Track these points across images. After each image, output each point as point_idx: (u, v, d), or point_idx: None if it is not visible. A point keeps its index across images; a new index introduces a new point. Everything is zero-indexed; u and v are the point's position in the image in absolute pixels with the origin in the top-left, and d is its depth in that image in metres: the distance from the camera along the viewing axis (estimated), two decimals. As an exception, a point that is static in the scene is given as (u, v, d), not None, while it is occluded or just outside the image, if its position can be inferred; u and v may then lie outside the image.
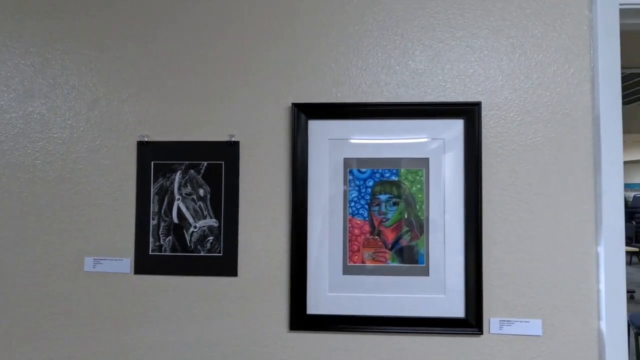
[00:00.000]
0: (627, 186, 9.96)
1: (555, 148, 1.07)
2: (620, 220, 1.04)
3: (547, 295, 1.05)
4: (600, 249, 1.04)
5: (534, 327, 1.05)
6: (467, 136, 1.06)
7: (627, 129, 3.54)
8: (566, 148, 1.07)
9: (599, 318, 1.04)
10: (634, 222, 7.99)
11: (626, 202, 9.45)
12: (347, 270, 1.07)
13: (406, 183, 1.07)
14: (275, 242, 1.09)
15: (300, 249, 1.07)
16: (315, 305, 1.07)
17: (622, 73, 2.17)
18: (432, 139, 1.08)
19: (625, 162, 7.22)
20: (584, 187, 1.06)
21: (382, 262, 1.07)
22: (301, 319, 1.07)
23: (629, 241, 7.68)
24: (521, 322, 1.05)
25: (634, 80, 2.21)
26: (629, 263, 7.86)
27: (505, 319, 1.05)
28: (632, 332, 3.30)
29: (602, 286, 1.04)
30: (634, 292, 5.45)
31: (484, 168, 1.07)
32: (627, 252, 7.83)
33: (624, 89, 2.38)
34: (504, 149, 1.08)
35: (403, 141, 1.08)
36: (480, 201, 1.05)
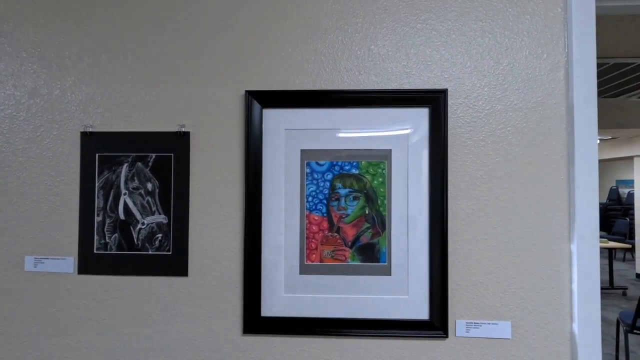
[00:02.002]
0: (622, 183, 9.94)
1: (526, 139, 1.00)
2: (594, 216, 0.97)
3: (517, 295, 0.99)
4: (573, 247, 0.98)
5: (503, 329, 0.98)
6: (433, 126, 0.99)
7: (620, 124, 3.48)
8: (538, 139, 1.00)
9: (571, 319, 0.98)
10: (628, 219, 7.96)
11: (620, 198, 9.43)
12: (304, 270, 1.00)
13: (367, 176, 1.00)
14: (228, 240, 1.02)
15: (254, 247, 1.00)
16: (270, 307, 1.00)
17: (615, 62, 2.11)
18: (396, 129, 1.00)
19: (619, 159, 7.17)
20: (556, 180, 0.99)
21: (341, 260, 1.00)
22: (255, 321, 1.00)
23: (623, 238, 7.66)
24: (489, 324, 0.99)
25: (624, 69, 2.11)
26: (622, 260, 7.84)
27: (472, 321, 0.99)
28: (621, 330, 3.26)
29: (575, 286, 0.97)
30: (627, 288, 5.42)
31: (451, 160, 1.00)
32: (621, 249, 7.82)
33: (615, 78, 2.29)
34: (471, 139, 1.01)
35: (364, 132, 1.01)
36: (446, 196, 0.98)
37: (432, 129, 0.99)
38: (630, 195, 8.75)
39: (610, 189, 9.77)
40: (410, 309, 0.99)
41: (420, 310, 0.99)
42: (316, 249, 1.00)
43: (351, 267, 1.00)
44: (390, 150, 1.00)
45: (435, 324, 0.98)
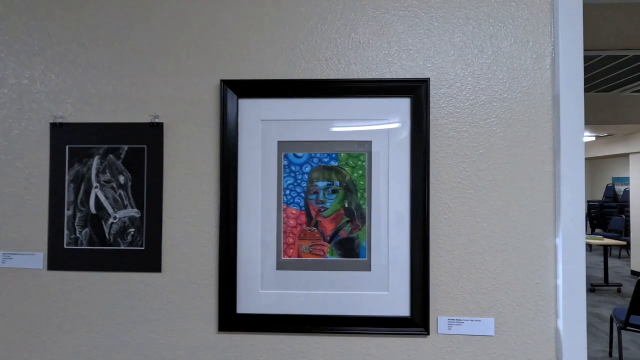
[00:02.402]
0: (618, 180, 9.94)
1: (511, 130, 0.97)
2: (580, 209, 0.95)
3: (501, 291, 0.96)
4: (559, 241, 0.95)
5: (486, 326, 0.95)
6: (414, 117, 0.96)
7: (615, 120, 3.44)
8: (523, 130, 0.97)
9: (556, 316, 0.95)
10: (624, 216, 7.97)
11: (616, 196, 9.44)
12: (281, 265, 0.97)
13: (347, 169, 0.97)
14: (203, 235, 0.98)
15: (229, 242, 0.97)
16: (246, 303, 0.97)
17: (607, 54, 2.06)
18: (376, 119, 0.97)
19: (615, 156, 7.17)
20: (542, 173, 0.96)
21: (320, 255, 0.97)
22: (231, 318, 0.96)
23: (618, 235, 7.67)
24: (472, 321, 0.96)
25: (617, 62, 2.06)
26: (617, 257, 7.86)
27: (455, 317, 0.96)
28: (615, 326, 3.25)
29: (560, 281, 0.94)
30: (621, 285, 5.43)
31: (433, 152, 0.97)
32: (616, 246, 7.83)
33: (608, 72, 2.23)
34: (455, 131, 0.97)
35: (344, 123, 0.97)
36: (428, 189, 0.95)
37: (413, 120, 0.96)
38: (626, 193, 8.76)
39: (607, 186, 9.78)
40: (390, 306, 0.96)
41: (400, 307, 0.96)
42: (294, 243, 0.97)
43: (330, 262, 0.97)
44: (371, 142, 0.97)
45: (416, 321, 0.95)
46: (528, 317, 0.95)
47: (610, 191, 9.61)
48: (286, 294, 0.97)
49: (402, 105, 0.97)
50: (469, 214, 0.97)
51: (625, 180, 9.54)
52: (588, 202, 9.61)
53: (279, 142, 0.98)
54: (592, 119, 3.22)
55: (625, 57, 1.97)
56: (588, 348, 3.46)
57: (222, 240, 0.97)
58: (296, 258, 0.97)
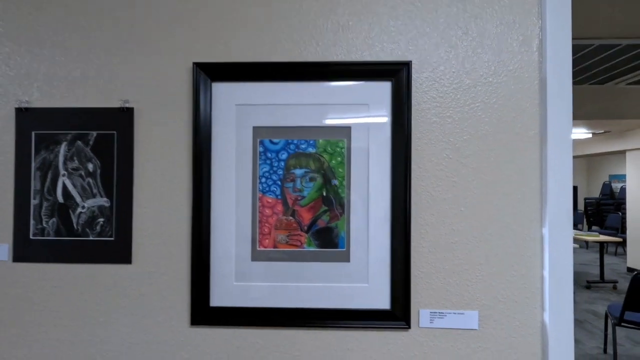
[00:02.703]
0: (615, 177, 9.94)
1: (496, 115, 0.93)
2: (567, 198, 0.91)
3: (485, 283, 0.92)
4: (545, 231, 0.91)
5: (470, 319, 0.92)
6: (395, 101, 0.92)
7: (611, 114, 3.39)
8: (509, 115, 0.93)
9: (542, 309, 0.91)
10: (620, 214, 7.96)
11: (613, 193, 9.43)
12: (256, 256, 0.93)
13: (325, 156, 0.93)
14: (175, 224, 0.94)
15: (202, 232, 0.92)
16: (220, 296, 0.93)
17: (601, 44, 2.00)
18: (356, 104, 0.93)
19: (612, 153, 7.15)
20: (528, 160, 0.92)
21: (297, 246, 0.93)
22: (204, 312, 0.92)
23: (615, 232, 7.67)
24: (455, 314, 0.92)
25: (611, 51, 1.98)
26: (614, 254, 7.85)
27: (437, 310, 0.92)
28: (610, 323, 3.23)
29: (546, 273, 0.90)
30: (617, 282, 5.41)
31: (415, 138, 0.93)
32: (613, 243, 7.82)
33: (602, 62, 2.17)
34: (438, 116, 0.93)
35: (322, 107, 0.93)
36: (410, 177, 0.91)
37: (394, 105, 0.92)
38: (623, 190, 8.75)
39: (603, 183, 9.77)
40: (370, 298, 0.92)
41: (381, 300, 0.92)
42: (269, 233, 0.93)
43: (307, 253, 0.93)
44: (350, 127, 0.93)
45: (397, 314, 0.91)
46: (513, 310, 0.92)
47: (607, 188, 9.60)
48: (261, 286, 0.93)
49: (383, 89, 0.93)
50: (452, 202, 0.93)
51: (622, 178, 9.53)
52: (585, 199, 9.60)
53: (255, 128, 0.94)
54: (586, 113, 3.17)
55: (619, 47, 1.92)
56: (583, 344, 3.44)
57: (194, 230, 0.92)
58: (272, 249, 0.93)
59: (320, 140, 0.93)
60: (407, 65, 0.91)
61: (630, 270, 6.28)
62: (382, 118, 0.92)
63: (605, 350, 3.29)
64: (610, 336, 3.35)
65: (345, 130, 0.93)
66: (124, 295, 0.95)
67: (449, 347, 0.92)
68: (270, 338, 0.93)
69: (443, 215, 0.93)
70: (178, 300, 0.94)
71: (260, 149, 0.93)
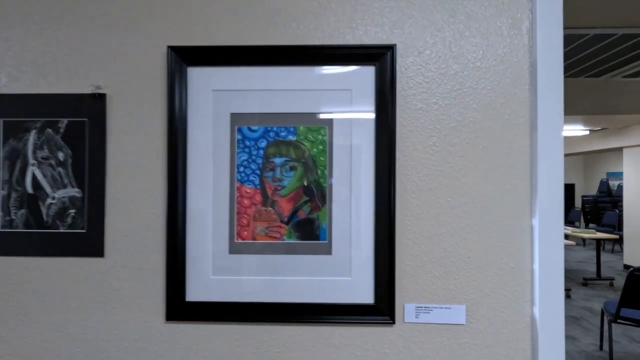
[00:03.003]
0: (612, 175, 9.93)
1: (484, 101, 0.89)
2: (559, 188, 0.87)
3: (472, 276, 0.88)
4: (535, 222, 0.87)
5: (457, 314, 0.88)
6: (379, 87, 0.88)
7: (609, 109, 3.34)
8: (498, 101, 0.89)
9: (532, 303, 0.88)
10: (617, 211, 7.96)
11: (610, 191, 9.43)
12: (234, 249, 0.89)
13: (306, 144, 0.89)
14: (150, 216, 0.90)
15: (178, 223, 0.88)
16: (197, 290, 0.89)
17: (595, 33, 1.94)
18: (338, 90, 0.89)
19: (609, 150, 7.13)
20: (517, 148, 0.88)
21: (276, 238, 0.89)
22: (179, 307, 0.89)
23: (612, 229, 7.66)
24: (441, 308, 0.88)
25: (607, 41, 1.90)
26: (611, 251, 7.85)
27: (423, 305, 0.88)
28: (606, 319, 3.21)
29: (536, 266, 0.87)
30: (614, 279, 5.40)
31: (400, 126, 0.89)
32: (610, 241, 7.82)
33: (597, 53, 2.10)
34: (424, 102, 0.89)
35: (303, 93, 0.89)
36: (394, 165, 0.87)
37: (378, 91, 0.88)
38: (620, 188, 8.75)
39: (601, 181, 9.76)
40: (353, 292, 0.88)
41: (364, 294, 0.88)
42: (248, 225, 0.89)
43: (287, 245, 0.89)
44: (332, 114, 0.89)
45: (381, 309, 0.88)
46: (502, 304, 0.88)
47: (604, 186, 9.60)
48: (240, 280, 0.89)
49: (366, 74, 0.89)
50: (438, 192, 0.89)
51: (619, 175, 9.53)
52: (582, 196, 9.60)
53: (232, 115, 0.89)
54: (582, 109, 3.13)
55: (615, 36, 1.87)
56: (579, 341, 3.42)
57: (170, 222, 0.88)
58: (251, 241, 0.89)
59: (301, 128, 0.89)
60: (391, 49, 0.87)
61: (626, 267, 6.27)
62: (366, 104, 0.88)
63: (601, 347, 3.27)
64: (606, 333, 3.33)
65: (327, 117, 0.89)
66: (96, 290, 0.91)
67: (436, 343, 0.88)
68: (249, 334, 0.89)
69: (429, 206, 0.89)
70: (153, 294, 0.90)
71: (238, 136, 0.89)
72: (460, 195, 0.89)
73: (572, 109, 3.09)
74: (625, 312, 2.80)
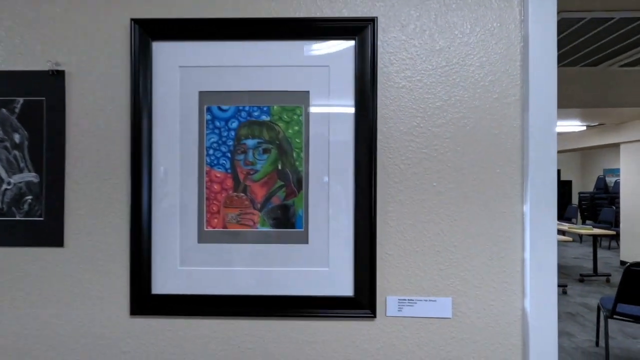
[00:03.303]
0: (609, 172, 9.91)
1: (473, 79, 0.83)
2: (551, 172, 0.81)
3: (459, 267, 0.82)
4: (527, 209, 0.81)
5: (442, 307, 0.82)
6: (359, 63, 0.82)
7: (606, 101, 3.27)
8: (486, 79, 0.83)
9: (523, 295, 0.82)
10: (614, 207, 7.94)
11: (607, 187, 9.41)
12: (203, 238, 0.83)
13: (280, 124, 0.82)
14: (112, 203, 0.84)
15: (143, 210, 0.82)
16: (163, 282, 0.83)
17: (592, 17, 1.85)
18: (314, 66, 0.82)
19: (606, 146, 7.09)
20: (508, 129, 0.82)
21: (249, 226, 0.82)
22: (145, 300, 0.82)
23: (609, 226, 7.63)
24: (426, 301, 0.82)
25: (605, 26, 1.78)
26: (607, 248, 7.83)
27: (406, 297, 0.82)
28: (602, 315, 3.17)
29: (527, 255, 0.81)
30: (610, 275, 5.37)
31: (381, 105, 0.83)
32: (606, 237, 7.80)
33: (594, 39, 2.00)
34: (407, 80, 0.83)
35: (277, 69, 0.83)
36: (375, 148, 0.81)
37: (358, 67, 0.82)
38: (617, 184, 8.72)
39: (598, 178, 9.74)
40: (331, 284, 0.82)
41: (343, 285, 0.82)
42: (218, 212, 0.83)
43: (261, 233, 0.82)
44: (308, 92, 0.82)
45: (361, 302, 0.82)
46: (491, 296, 0.82)
47: (601, 182, 9.57)
48: (209, 271, 0.83)
49: (346, 50, 0.82)
50: (423, 176, 0.83)
51: (616, 172, 9.51)
52: (579, 193, 9.57)
53: (201, 93, 0.83)
54: (579, 102, 3.06)
55: (612, 21, 1.79)
56: (575, 337, 3.38)
57: (134, 209, 0.82)
58: (221, 229, 0.83)
59: (275, 107, 0.82)
60: (372, 22, 0.81)
61: (623, 263, 6.24)
62: (345, 81, 0.82)
63: (597, 343, 3.23)
64: (602, 329, 3.29)
65: (303, 95, 0.82)
66: (56, 282, 0.84)
67: (420, 338, 0.82)
68: (219, 329, 0.83)
69: (413, 191, 0.83)
70: (116, 287, 0.84)
71: (207, 116, 0.83)
72: (446, 180, 0.82)
73: (568, 101, 3.02)
74: (622, 307, 2.76)
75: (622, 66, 2.45)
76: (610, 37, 1.97)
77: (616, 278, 5.36)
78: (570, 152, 9.68)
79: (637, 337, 3.39)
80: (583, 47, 2.18)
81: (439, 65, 0.83)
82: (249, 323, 0.83)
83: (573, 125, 6.08)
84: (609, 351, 2.98)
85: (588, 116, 4.78)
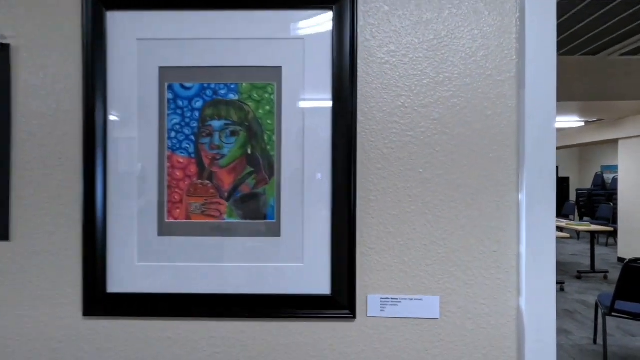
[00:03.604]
0: (607, 168, 9.87)
1: (464, 54, 0.74)
2: (550, 156, 0.73)
3: (448, 262, 0.75)
4: (523, 197, 0.73)
5: (429, 306, 0.74)
6: (337, 36, 0.73)
7: (605, 94, 3.18)
8: (479, 53, 0.74)
9: (518, 293, 0.74)
10: (612, 204, 7.89)
11: (605, 184, 9.36)
12: (164, 230, 0.75)
13: (250, 104, 0.74)
14: (64, 191, 0.75)
15: (97, 200, 0.74)
16: (120, 280, 0.75)
17: None
18: (287, 39, 0.74)
19: (604, 142, 7.04)
20: (502, 109, 0.74)
21: (215, 217, 0.74)
22: (99, 300, 0.74)
23: (606, 223, 7.59)
24: (411, 300, 0.74)
25: (606, 9, 1.67)
26: (605, 245, 7.79)
27: (389, 296, 0.75)
28: (600, 312, 3.11)
29: (523, 249, 0.73)
30: (608, 272, 5.32)
31: (362, 82, 0.74)
32: (604, 234, 7.76)
33: (595, 25, 1.89)
34: (391, 55, 0.75)
35: (246, 43, 0.74)
36: (355, 130, 0.73)
37: (336, 40, 0.73)
38: (615, 181, 8.67)
39: (595, 174, 9.69)
40: (306, 281, 0.74)
41: (319, 282, 0.74)
42: (181, 201, 0.74)
43: (228, 225, 0.74)
44: (281, 67, 0.74)
45: (340, 301, 0.74)
46: (483, 294, 0.74)
47: (598, 179, 9.53)
48: (171, 267, 0.74)
49: (322, 20, 0.74)
50: (408, 162, 0.75)
51: (614, 169, 9.46)
52: (577, 190, 9.53)
53: (161, 69, 0.74)
54: (577, 94, 2.96)
55: (614, 3, 1.70)
56: (573, 335, 3.32)
57: (87, 198, 0.73)
58: (184, 220, 0.74)
59: (244, 85, 0.74)
60: (351, -11, 0.72)
61: (620, 260, 6.20)
62: (321, 56, 0.74)
63: (595, 341, 3.17)
64: (600, 326, 3.24)
65: (275, 71, 0.74)
66: (0, 280, 0.76)
67: (404, 341, 0.75)
68: (183, 331, 0.75)
69: (396, 178, 0.74)
70: (68, 285, 0.75)
71: (169, 95, 0.74)
72: (434, 166, 0.74)
73: (566, 94, 2.93)
74: (620, 304, 2.69)
75: (623, 54, 2.35)
76: (612, 22, 1.87)
77: (614, 275, 5.31)
78: (568, 148, 9.63)
79: (635, 335, 3.34)
80: (582, 34, 2.07)
81: (426, 38, 0.75)
82: (215, 325, 0.75)
83: (571, 121, 6.01)
84: (607, 349, 2.92)
85: (586, 111, 4.71)
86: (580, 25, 1.93)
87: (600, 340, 3.16)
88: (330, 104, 0.73)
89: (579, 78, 2.80)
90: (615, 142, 6.79)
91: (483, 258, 0.74)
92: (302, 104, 0.74)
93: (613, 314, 2.69)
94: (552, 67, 0.73)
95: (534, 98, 0.73)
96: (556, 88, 0.74)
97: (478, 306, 0.74)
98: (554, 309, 0.73)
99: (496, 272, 0.74)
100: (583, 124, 6.54)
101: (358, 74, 0.74)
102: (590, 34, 2.06)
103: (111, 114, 0.74)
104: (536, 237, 0.73)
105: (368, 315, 0.75)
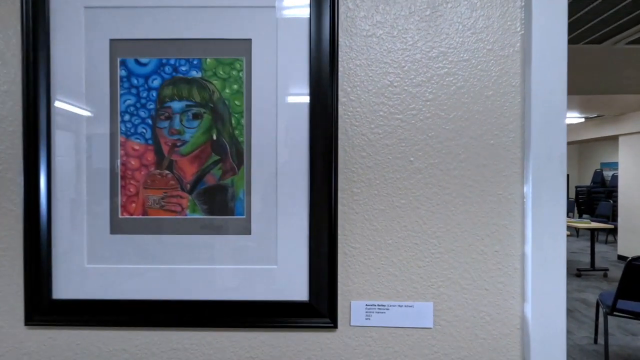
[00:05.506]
0: (606, 165, 9.80)
1: (461, 26, 0.65)
2: (561, 142, 0.64)
3: (443, 263, 0.65)
4: (528, 190, 0.64)
5: (421, 314, 0.65)
6: (316, 3, 0.63)
7: (610, 87, 3.07)
8: (479, 25, 0.65)
9: (523, 299, 0.65)
10: (612, 201, 7.83)
11: (604, 181, 9.30)
12: (117, 228, 0.65)
13: (215, 82, 0.64)
14: (3, 183, 0.66)
15: (40, 193, 0.64)
16: (66, 285, 0.65)
17: None
18: (258, 6, 0.64)
19: (604, 138, 6.96)
20: (505, 89, 0.65)
21: (176, 212, 0.65)
22: (43, 307, 0.65)
23: (606, 220, 7.53)
24: (401, 306, 0.65)
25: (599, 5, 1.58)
26: (604, 242, 7.74)
27: (376, 302, 0.65)
28: (601, 312, 3.03)
29: (529, 249, 0.64)
30: (608, 270, 5.25)
31: (344, 58, 0.65)
32: (603, 230, 7.70)
33: (600, 10, 1.78)
34: (378, 26, 0.65)
35: (210, 11, 0.64)
36: (336, 112, 0.63)
37: (314, 9, 0.63)
38: (614, 178, 8.61)
39: (595, 171, 9.62)
40: (280, 286, 0.65)
41: (295, 287, 0.65)
42: (136, 194, 0.65)
43: (191, 222, 0.65)
44: (250, 40, 0.64)
45: (319, 308, 0.64)
46: (482, 300, 0.65)
47: (598, 176, 9.46)
48: (125, 269, 0.65)
49: (299, -15, 0.64)
50: (397, 149, 0.65)
51: (614, 166, 9.40)
52: (576, 187, 9.46)
53: (112, 42, 0.65)
54: (581, 88, 2.85)
55: None
56: (572, 335, 3.25)
57: (29, 191, 0.64)
58: (140, 216, 0.65)
59: (208, 60, 0.64)
60: (332, -52, 0.62)
61: (620, 257, 6.14)
62: (297, 27, 0.64)
63: (595, 341, 3.10)
64: (601, 326, 3.17)
65: (244, 44, 0.64)
66: None
67: (393, 353, 0.65)
68: (139, 342, 0.66)
69: (384, 168, 0.65)
70: (7, 290, 0.66)
71: (121, 72, 0.64)
72: (426, 154, 0.65)
73: (569, 89, 2.83)
74: (622, 304, 2.62)
75: (629, 43, 2.23)
76: (618, 6, 1.75)
77: (614, 273, 5.25)
78: (568, 145, 9.55)
79: (636, 334, 3.26)
80: (586, 20, 1.95)
81: (417, 7, 0.65)
82: (177, 335, 0.66)
83: (571, 117, 5.92)
84: (608, 348, 2.85)
85: (587, 106, 4.61)
86: (585, 9, 1.82)
87: (601, 340, 3.09)
88: (307, 82, 0.64)
89: (583, 70, 2.69)
90: (614, 138, 6.71)
91: (483, 259, 0.65)
92: (275, 83, 0.64)
93: (615, 313, 2.62)
94: (562, 41, 0.63)
95: (542, 76, 0.63)
96: (567, 61, 0.64)
97: (477, 314, 0.65)
98: (564, 317, 0.64)
99: (497, 276, 0.65)
100: (583, 120, 6.46)
101: (340, 47, 0.64)
102: (596, 20, 1.94)
103: (55, 95, 0.64)
104: (544, 236, 0.64)
105: (351, 324, 0.65)
